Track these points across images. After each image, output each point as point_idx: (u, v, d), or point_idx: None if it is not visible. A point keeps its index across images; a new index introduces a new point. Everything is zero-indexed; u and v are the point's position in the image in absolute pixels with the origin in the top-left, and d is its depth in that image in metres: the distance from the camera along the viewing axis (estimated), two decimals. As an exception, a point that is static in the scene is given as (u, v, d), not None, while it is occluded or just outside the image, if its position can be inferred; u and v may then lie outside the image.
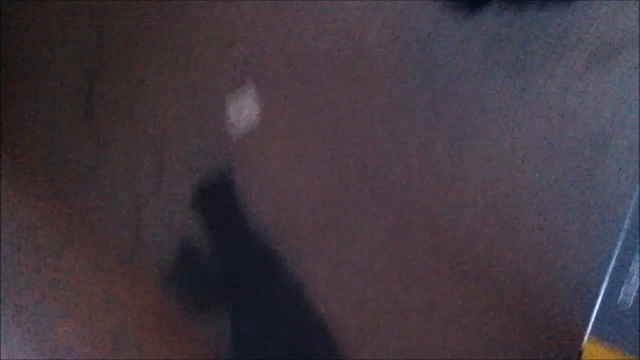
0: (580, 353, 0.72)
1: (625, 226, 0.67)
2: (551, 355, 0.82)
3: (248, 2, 0.95)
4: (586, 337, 0.71)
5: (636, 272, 0.68)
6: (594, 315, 0.70)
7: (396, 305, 0.93)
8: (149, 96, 1.09)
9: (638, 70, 0.70)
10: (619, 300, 0.69)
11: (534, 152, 0.78)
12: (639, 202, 0.66)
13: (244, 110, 0.99)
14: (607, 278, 0.69)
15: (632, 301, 0.68)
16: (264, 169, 0.99)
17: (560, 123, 0.75)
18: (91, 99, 1.08)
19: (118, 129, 1.11)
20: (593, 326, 0.70)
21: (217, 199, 1.03)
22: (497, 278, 0.85)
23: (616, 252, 0.68)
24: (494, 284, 0.85)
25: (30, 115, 1.10)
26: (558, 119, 0.75)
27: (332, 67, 0.90)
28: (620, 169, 0.73)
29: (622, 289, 0.68)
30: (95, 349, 0.93)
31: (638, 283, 0.68)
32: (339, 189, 0.94)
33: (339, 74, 0.90)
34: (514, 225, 0.81)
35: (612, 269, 0.68)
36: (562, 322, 0.80)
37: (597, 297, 0.69)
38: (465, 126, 0.82)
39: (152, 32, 1.06)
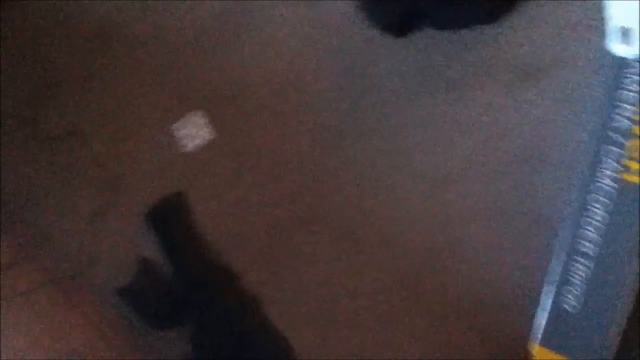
0: (524, 358, 0.74)
1: (563, 235, 0.69)
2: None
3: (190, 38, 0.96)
4: (532, 344, 0.73)
5: (581, 278, 0.69)
6: (539, 321, 0.72)
7: (347, 317, 0.95)
8: (100, 119, 1.10)
9: (567, 88, 0.73)
10: (564, 305, 0.71)
11: (474, 165, 0.80)
12: (578, 211, 0.68)
13: (192, 135, 1.01)
14: (552, 286, 0.70)
15: (579, 307, 0.70)
16: (214, 189, 1.01)
17: (493, 139, 0.78)
18: (41, 122, 1.09)
19: (72, 150, 1.12)
20: (539, 332, 0.72)
21: (170, 217, 1.04)
22: (444, 290, 0.87)
23: (561, 260, 0.70)
24: (441, 297, 0.87)
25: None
26: (491, 135, 0.77)
27: (275, 91, 0.92)
28: (553, 181, 0.76)
29: (568, 295, 0.70)
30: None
31: (584, 289, 0.69)
32: (287, 205, 0.96)
33: (282, 96, 0.92)
34: (457, 239, 0.84)
35: (559, 276, 0.70)
36: (509, 330, 0.83)
37: (538, 305, 0.71)
38: (403, 143, 0.84)
39: (101, 68, 1.07)
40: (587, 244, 0.69)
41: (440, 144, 0.82)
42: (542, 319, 0.72)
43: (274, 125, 0.94)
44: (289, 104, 0.92)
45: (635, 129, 0.65)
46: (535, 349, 0.73)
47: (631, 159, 0.66)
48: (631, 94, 0.66)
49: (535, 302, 0.74)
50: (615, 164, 0.66)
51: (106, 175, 1.09)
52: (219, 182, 1.01)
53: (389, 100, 0.83)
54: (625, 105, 0.66)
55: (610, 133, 0.67)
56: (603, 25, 0.68)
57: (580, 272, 0.70)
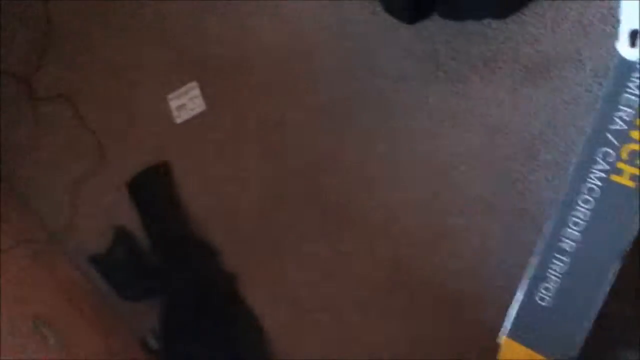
0: (497, 351, 0.74)
1: (547, 230, 0.69)
2: (473, 352, 0.83)
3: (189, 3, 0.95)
4: (503, 335, 0.73)
5: (556, 274, 0.70)
6: (512, 313, 0.72)
7: (324, 301, 0.94)
8: (93, 84, 1.08)
9: (567, 88, 0.73)
10: (537, 299, 0.71)
11: (468, 158, 0.80)
12: (564, 209, 0.68)
13: (185, 106, 1.00)
14: (527, 280, 0.70)
15: (550, 301, 0.70)
16: (201, 163, 1.00)
17: (489, 134, 0.78)
18: (34, 82, 1.07)
19: (59, 114, 1.10)
20: (509, 324, 0.72)
21: (153, 187, 1.03)
22: (428, 280, 0.86)
23: (540, 255, 0.70)
24: (423, 285, 0.87)
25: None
26: (492, 128, 0.77)
27: (274, 67, 0.91)
28: (543, 179, 0.76)
29: (542, 290, 0.70)
30: (17, 329, 0.91)
31: (558, 285, 0.69)
32: (274, 184, 0.95)
33: (280, 73, 0.91)
34: (445, 230, 0.84)
35: (535, 270, 0.70)
36: (488, 322, 0.82)
37: (513, 297, 0.71)
38: (400, 130, 0.84)
39: (95, 29, 1.05)
40: (567, 241, 0.69)
41: (437, 134, 0.81)
42: (513, 311, 0.72)
43: (269, 101, 0.93)
44: (286, 81, 0.90)
45: (634, 133, 0.66)
46: (504, 340, 0.73)
47: (625, 162, 0.66)
48: (633, 97, 0.66)
49: (509, 296, 0.74)
50: (607, 166, 0.66)
51: (92, 142, 1.07)
52: (207, 156, 1.00)
53: (390, 86, 0.83)
54: (626, 109, 0.66)
55: (607, 135, 0.67)
56: (615, 28, 0.68)
57: (556, 268, 0.70)
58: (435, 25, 0.80)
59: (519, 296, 0.73)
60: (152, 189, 1.03)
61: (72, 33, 1.08)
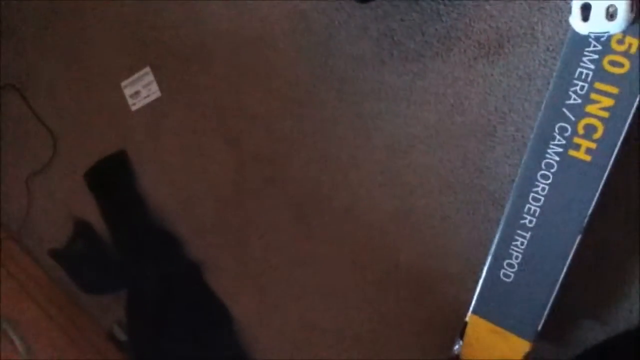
0: (464, 327, 0.75)
1: (507, 207, 0.70)
2: (439, 331, 0.85)
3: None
4: (469, 312, 0.74)
5: (518, 250, 0.71)
6: (477, 290, 0.73)
7: (290, 287, 0.94)
8: (40, 74, 1.05)
9: (521, 64, 0.73)
10: (501, 275, 0.72)
11: (425, 137, 0.80)
12: (523, 186, 0.69)
13: (140, 93, 0.98)
14: (490, 256, 0.72)
15: (513, 277, 0.72)
16: (159, 151, 0.98)
17: (448, 112, 0.77)
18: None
19: (8, 104, 1.07)
20: (476, 300, 0.73)
21: (111, 177, 1.01)
22: (392, 261, 0.87)
23: (502, 232, 0.71)
24: (390, 267, 0.87)
25: None
26: (448, 106, 0.77)
27: (232, 51, 0.90)
28: (503, 156, 0.76)
29: (505, 266, 0.72)
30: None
31: (520, 259, 0.71)
32: (235, 171, 0.94)
33: (238, 58, 0.89)
34: (407, 210, 0.84)
35: (497, 247, 0.71)
36: (453, 300, 0.83)
37: (480, 274, 0.73)
38: (361, 111, 0.84)
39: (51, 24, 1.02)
40: (528, 217, 0.70)
41: (397, 113, 0.81)
42: (478, 288, 0.74)
43: (226, 88, 0.91)
44: (244, 67, 0.89)
45: (589, 107, 0.66)
46: (469, 317, 0.75)
47: (581, 136, 0.67)
48: (587, 71, 0.67)
49: (476, 271, 0.75)
50: (564, 141, 0.67)
51: (45, 133, 1.05)
52: (165, 143, 0.98)
53: (347, 67, 0.82)
54: (581, 83, 0.67)
55: (563, 109, 0.67)
56: (568, 2, 0.68)
57: (518, 244, 0.71)
58: (389, 4, 0.79)
59: (483, 273, 0.74)
60: (111, 179, 1.02)
61: (20, 20, 1.04)
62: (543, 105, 0.69)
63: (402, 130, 0.81)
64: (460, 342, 0.76)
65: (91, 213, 1.03)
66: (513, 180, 0.71)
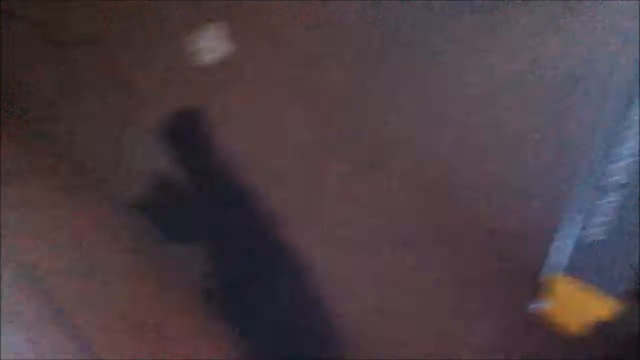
0: (550, 285, 0.74)
1: (593, 163, 0.69)
2: (526, 292, 0.85)
3: None
4: (556, 272, 0.73)
5: (609, 206, 0.69)
6: (563, 250, 0.72)
7: (370, 237, 0.95)
8: (114, 28, 1.07)
9: (608, 14, 0.72)
10: (591, 234, 0.70)
11: (506, 92, 0.79)
12: (611, 139, 0.67)
13: (213, 46, 0.98)
14: (577, 214, 0.70)
15: (604, 235, 0.70)
16: (234, 103, 0.99)
17: (534, 64, 0.77)
18: (51, 27, 1.05)
19: (88, 59, 1.09)
20: (564, 260, 0.72)
21: (186, 132, 1.03)
22: (461, 217, 0.87)
23: (589, 188, 0.69)
24: (459, 224, 0.87)
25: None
26: (533, 59, 0.76)
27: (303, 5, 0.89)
28: (590, 107, 0.75)
29: (596, 224, 0.70)
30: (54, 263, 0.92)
31: (612, 218, 0.69)
32: (311, 123, 0.95)
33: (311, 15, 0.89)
34: (483, 167, 0.83)
35: (585, 205, 0.70)
36: (526, 258, 0.83)
37: (561, 234, 0.71)
38: (436, 65, 0.83)
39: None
40: (618, 172, 0.69)
41: (476, 67, 0.80)
42: (567, 248, 0.72)
43: (298, 45, 0.92)
44: (322, 23, 0.88)
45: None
46: (560, 277, 0.73)
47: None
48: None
49: (553, 232, 0.74)
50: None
51: (120, 87, 1.06)
52: (237, 99, 0.99)
53: (428, 20, 0.81)
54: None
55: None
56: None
57: (609, 201, 0.70)
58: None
59: (571, 232, 0.72)
60: (185, 133, 1.04)
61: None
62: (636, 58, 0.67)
63: (481, 83, 0.80)
64: (543, 301, 0.76)
65: (172, 165, 1.05)
66: (597, 129, 0.69)
